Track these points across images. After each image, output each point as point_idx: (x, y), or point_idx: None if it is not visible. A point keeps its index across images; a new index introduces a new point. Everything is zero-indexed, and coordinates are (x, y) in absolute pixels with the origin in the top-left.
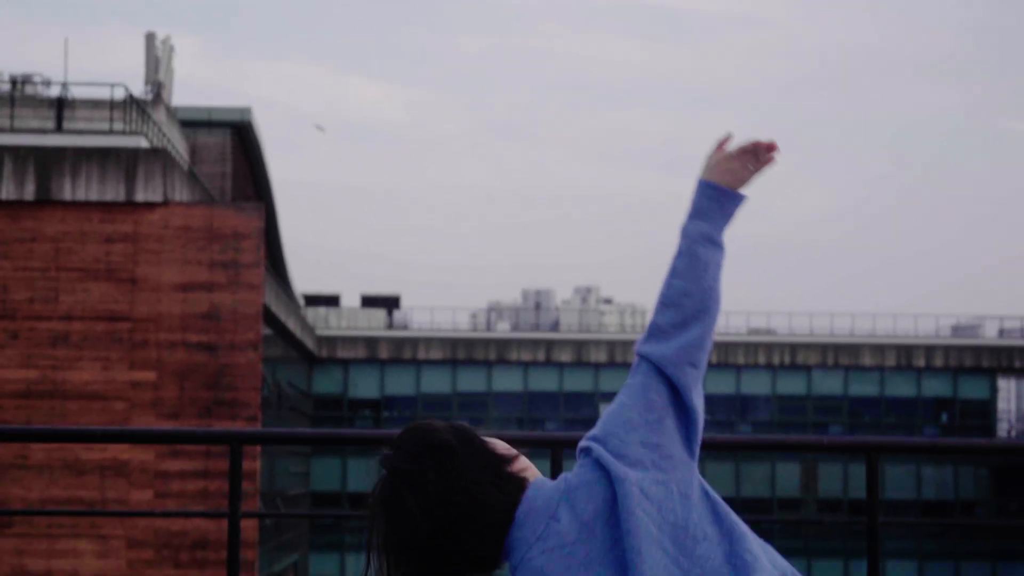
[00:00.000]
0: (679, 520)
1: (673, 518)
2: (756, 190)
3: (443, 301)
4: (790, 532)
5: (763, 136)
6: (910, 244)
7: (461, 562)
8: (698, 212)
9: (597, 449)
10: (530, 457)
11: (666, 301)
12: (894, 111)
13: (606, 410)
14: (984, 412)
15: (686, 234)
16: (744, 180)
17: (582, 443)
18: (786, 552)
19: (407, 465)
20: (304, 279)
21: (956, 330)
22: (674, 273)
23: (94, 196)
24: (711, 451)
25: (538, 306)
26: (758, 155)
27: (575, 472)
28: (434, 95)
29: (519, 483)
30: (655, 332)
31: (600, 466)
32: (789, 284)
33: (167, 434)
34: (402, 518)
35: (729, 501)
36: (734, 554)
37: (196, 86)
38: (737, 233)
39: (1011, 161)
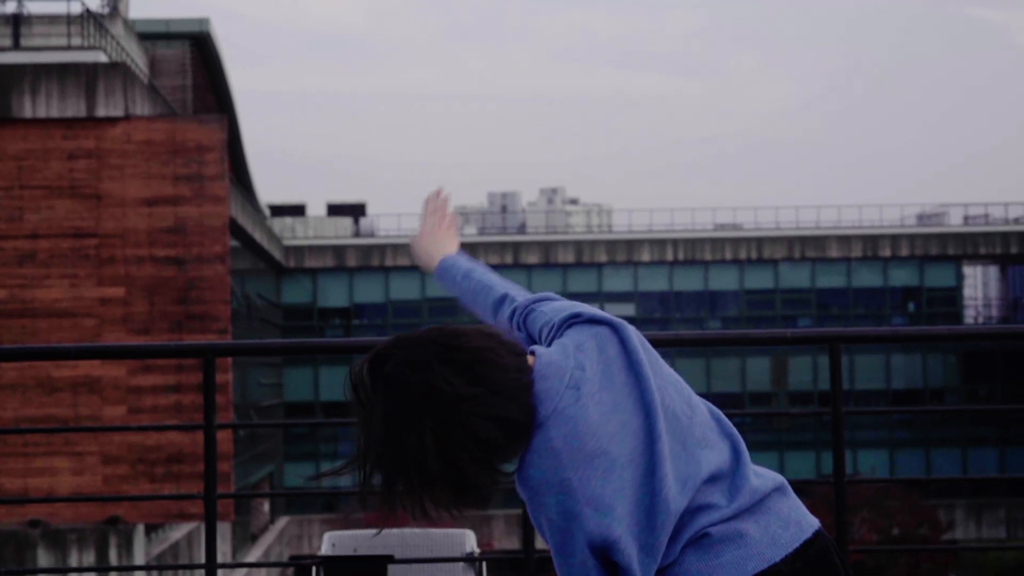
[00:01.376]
0: (671, 371)
1: (667, 369)
2: (720, 85)
3: (409, 207)
4: (761, 425)
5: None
6: (875, 136)
7: (497, 436)
8: (454, 280)
9: (587, 311)
10: None
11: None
12: (855, 3)
13: (547, 309)
14: (951, 300)
15: (462, 290)
16: (449, 232)
17: (563, 315)
18: (758, 446)
19: (405, 367)
20: (269, 189)
21: (921, 219)
22: (475, 302)
23: (55, 113)
24: (681, 348)
25: (504, 209)
26: (438, 208)
27: (573, 333)
28: (394, 0)
29: (521, 346)
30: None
31: (596, 321)
32: (755, 180)
33: (141, 349)
34: (415, 418)
35: (701, 397)
36: (711, 408)
37: None
38: (702, 129)
39: (977, 49)
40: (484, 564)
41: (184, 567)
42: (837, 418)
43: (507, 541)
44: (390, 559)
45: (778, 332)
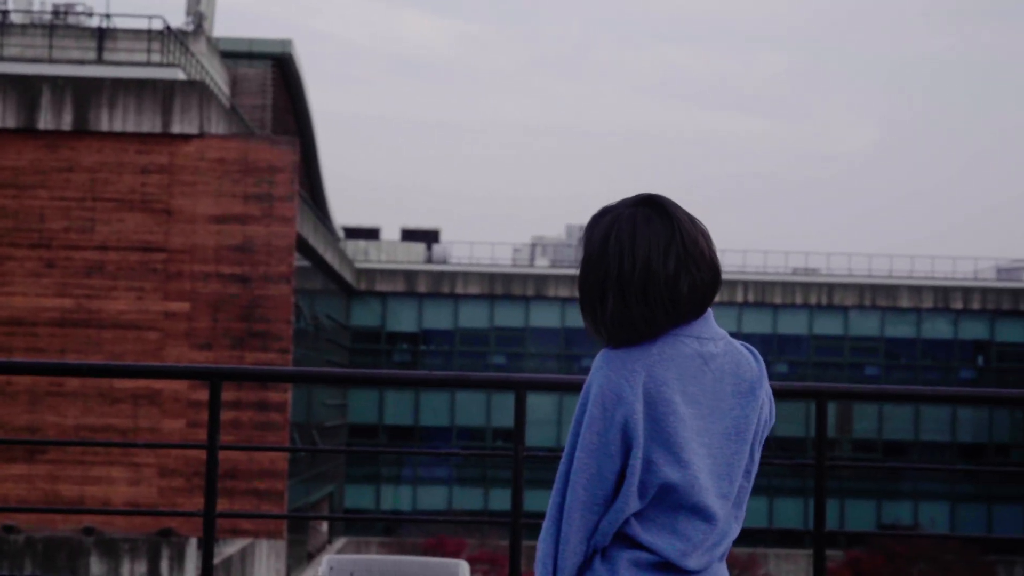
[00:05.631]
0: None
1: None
2: (802, 128)
3: (488, 235)
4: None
5: None
6: (954, 185)
7: (701, 291)
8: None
9: None
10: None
11: None
12: (936, 48)
13: None
14: (1021, 355)
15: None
16: None
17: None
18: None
19: (673, 204)
20: (345, 212)
21: (1000, 272)
22: None
23: (131, 127)
24: None
25: (580, 241)
26: None
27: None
28: (483, 28)
29: None
30: None
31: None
32: (830, 224)
33: (150, 369)
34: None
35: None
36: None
37: (239, 16)
38: (780, 171)
39: None
40: None
41: None
42: (820, 471)
43: None
44: None
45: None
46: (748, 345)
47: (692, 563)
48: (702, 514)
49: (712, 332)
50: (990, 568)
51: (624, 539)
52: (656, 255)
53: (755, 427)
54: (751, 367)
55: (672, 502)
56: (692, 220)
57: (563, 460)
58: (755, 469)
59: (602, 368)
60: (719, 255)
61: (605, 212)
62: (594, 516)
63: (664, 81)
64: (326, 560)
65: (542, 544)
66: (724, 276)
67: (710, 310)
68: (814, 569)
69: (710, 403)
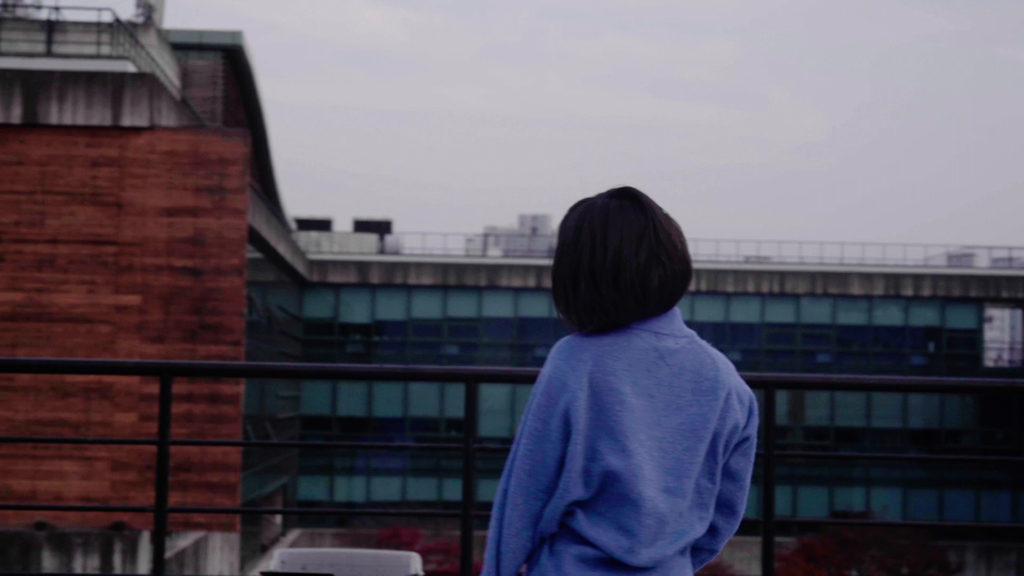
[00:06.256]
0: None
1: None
2: (753, 116)
3: (441, 226)
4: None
5: None
6: (901, 171)
7: (670, 282)
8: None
9: None
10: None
11: None
12: (887, 38)
13: None
14: (971, 342)
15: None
16: None
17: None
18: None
19: (623, 197)
20: (297, 203)
21: (950, 259)
22: None
23: (80, 120)
24: None
25: (534, 231)
26: None
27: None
28: (435, 18)
29: None
30: None
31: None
32: (781, 212)
33: (99, 365)
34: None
35: None
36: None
37: (189, 8)
38: (731, 159)
39: (1007, 89)
40: None
41: None
42: (768, 461)
43: None
44: None
45: None
46: (719, 352)
47: (638, 559)
48: (645, 506)
49: (673, 329)
50: (941, 553)
51: (571, 534)
52: (628, 245)
53: (716, 428)
54: (714, 366)
55: (617, 494)
56: (666, 216)
57: (512, 447)
58: (721, 473)
59: (553, 358)
60: None
61: (581, 202)
62: (537, 502)
63: (615, 70)
64: (277, 554)
65: (490, 529)
66: None
67: (677, 308)
68: (763, 557)
69: (665, 397)
